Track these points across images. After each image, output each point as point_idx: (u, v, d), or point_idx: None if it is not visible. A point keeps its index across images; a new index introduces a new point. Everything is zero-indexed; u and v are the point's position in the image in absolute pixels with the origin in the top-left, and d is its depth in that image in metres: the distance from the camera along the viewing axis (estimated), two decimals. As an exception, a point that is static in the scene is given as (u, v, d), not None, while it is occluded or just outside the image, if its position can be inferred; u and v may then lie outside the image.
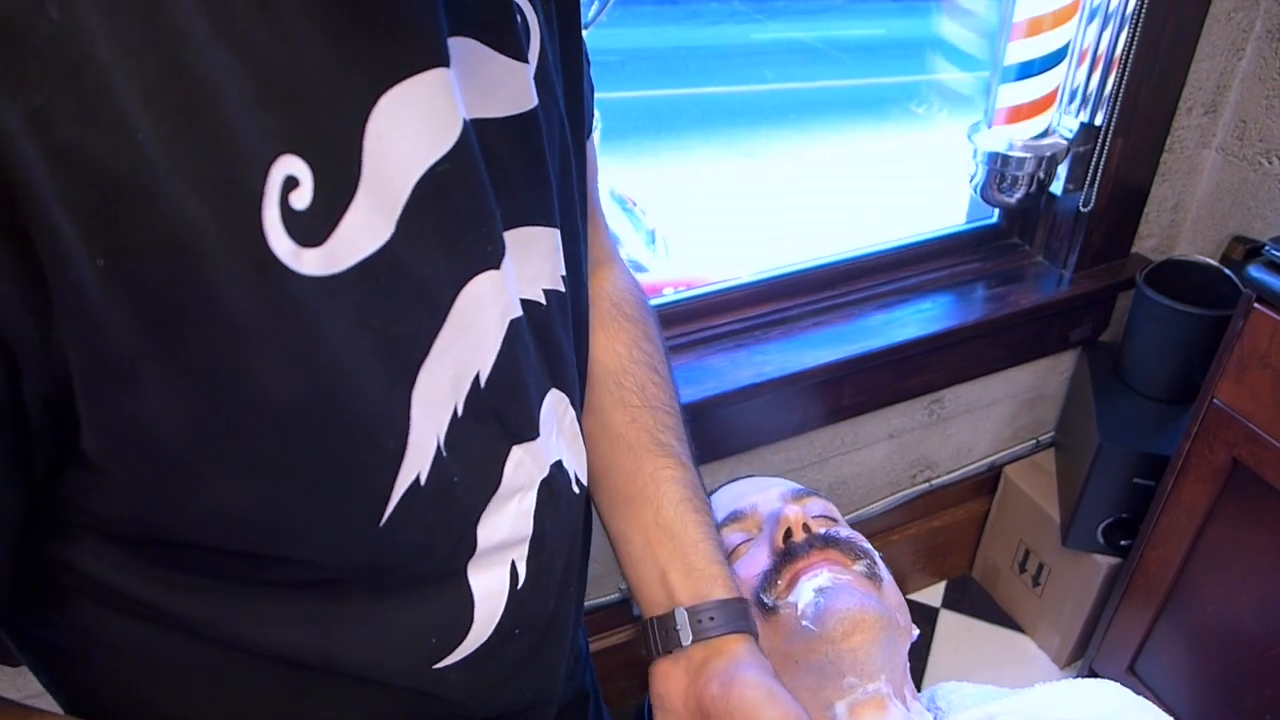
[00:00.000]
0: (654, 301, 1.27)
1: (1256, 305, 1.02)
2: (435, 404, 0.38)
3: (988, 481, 1.60)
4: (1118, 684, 0.64)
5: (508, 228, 0.42)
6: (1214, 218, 1.38)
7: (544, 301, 0.47)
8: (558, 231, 0.46)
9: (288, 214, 0.30)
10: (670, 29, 4.68)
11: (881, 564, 0.65)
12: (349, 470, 0.35)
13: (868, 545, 0.66)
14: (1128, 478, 1.29)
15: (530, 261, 0.45)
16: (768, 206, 3.11)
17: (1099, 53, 1.18)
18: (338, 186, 0.31)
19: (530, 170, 0.43)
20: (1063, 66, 1.17)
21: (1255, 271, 1.01)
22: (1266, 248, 1.00)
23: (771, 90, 4.19)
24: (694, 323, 1.27)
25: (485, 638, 0.47)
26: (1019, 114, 1.18)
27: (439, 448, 0.39)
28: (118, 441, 0.30)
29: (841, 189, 3.19)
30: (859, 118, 3.95)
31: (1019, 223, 1.43)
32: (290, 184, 0.30)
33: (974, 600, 1.67)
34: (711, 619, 0.53)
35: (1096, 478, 1.31)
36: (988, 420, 1.51)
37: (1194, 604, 1.24)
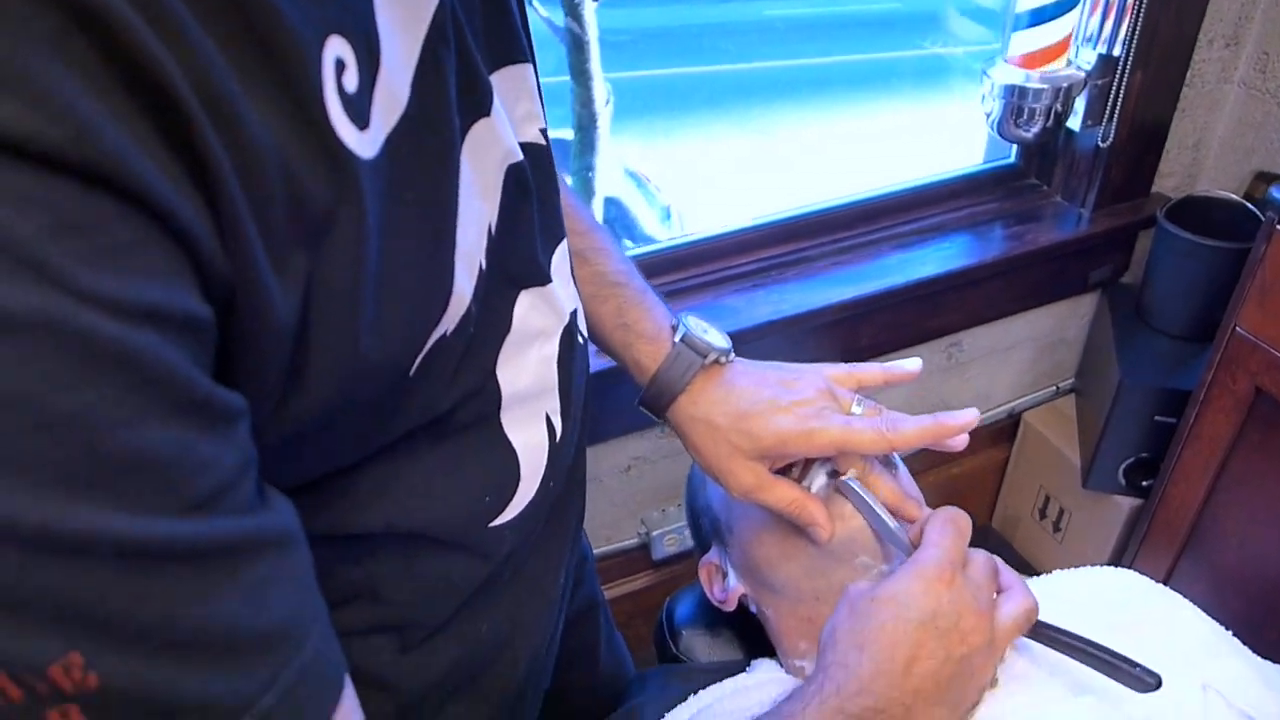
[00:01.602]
0: (671, 243, 1.27)
1: (1279, 229, 1.01)
2: (469, 262, 0.39)
3: (1007, 429, 1.59)
4: (1135, 572, 0.63)
5: (491, 70, 0.42)
6: (1236, 154, 1.36)
7: (541, 142, 0.47)
8: (530, 66, 0.46)
9: (344, 99, 0.29)
10: (681, 7, 4.66)
11: (895, 454, 0.65)
12: (396, 332, 0.35)
13: None
14: (1149, 415, 1.28)
15: (519, 102, 0.45)
16: (781, 182, 3.10)
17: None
18: (369, 62, 0.31)
19: (498, 3, 0.43)
20: (1076, 10, 1.16)
21: (1278, 193, 1.00)
22: (1289, 167, 0.99)
23: (784, 66, 4.16)
24: (711, 263, 1.27)
25: (532, 494, 0.48)
26: (1034, 60, 1.18)
27: (470, 303, 0.39)
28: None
29: (855, 164, 3.17)
30: (873, 91, 3.93)
31: (1036, 162, 1.42)
32: (340, 67, 0.29)
33: (994, 550, 1.65)
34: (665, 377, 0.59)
35: (1118, 416, 1.30)
36: (1007, 365, 1.50)
37: (1216, 540, 1.23)
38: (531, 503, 0.48)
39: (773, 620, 0.64)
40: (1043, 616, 0.57)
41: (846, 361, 0.63)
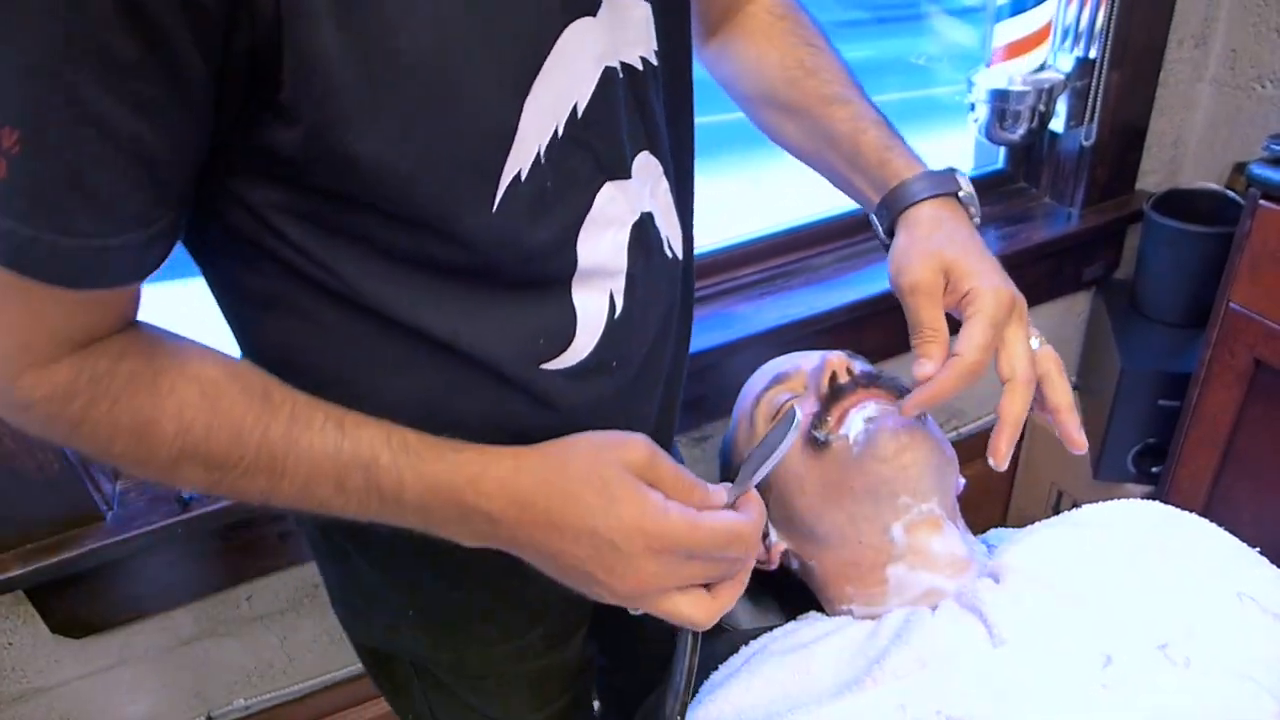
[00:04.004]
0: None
1: (1262, 202, 1.05)
2: (540, 118, 0.46)
3: (1014, 431, 1.61)
4: (1160, 503, 0.66)
5: None
6: (1214, 149, 1.42)
7: (640, 68, 0.54)
8: (649, 5, 0.53)
9: None
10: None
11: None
12: (469, 140, 0.44)
13: (909, 385, 0.69)
14: (1153, 400, 1.31)
15: (625, 29, 0.52)
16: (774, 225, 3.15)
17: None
18: None
19: None
20: (1052, 3, 1.22)
21: (1258, 169, 1.05)
22: (1265, 143, 1.04)
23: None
24: (718, 275, 1.31)
25: (585, 354, 0.55)
26: (1016, 49, 1.23)
27: (539, 154, 0.47)
28: (303, 88, 0.39)
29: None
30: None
31: (1023, 166, 1.47)
32: None
33: (1010, 554, 1.68)
34: (885, 211, 0.66)
35: (1122, 404, 1.33)
36: (1009, 366, 1.53)
37: (1230, 516, 1.24)
38: (584, 365, 0.56)
39: (816, 571, 0.66)
40: (1079, 542, 0.59)
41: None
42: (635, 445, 0.50)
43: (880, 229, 0.69)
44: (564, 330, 0.54)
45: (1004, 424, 0.59)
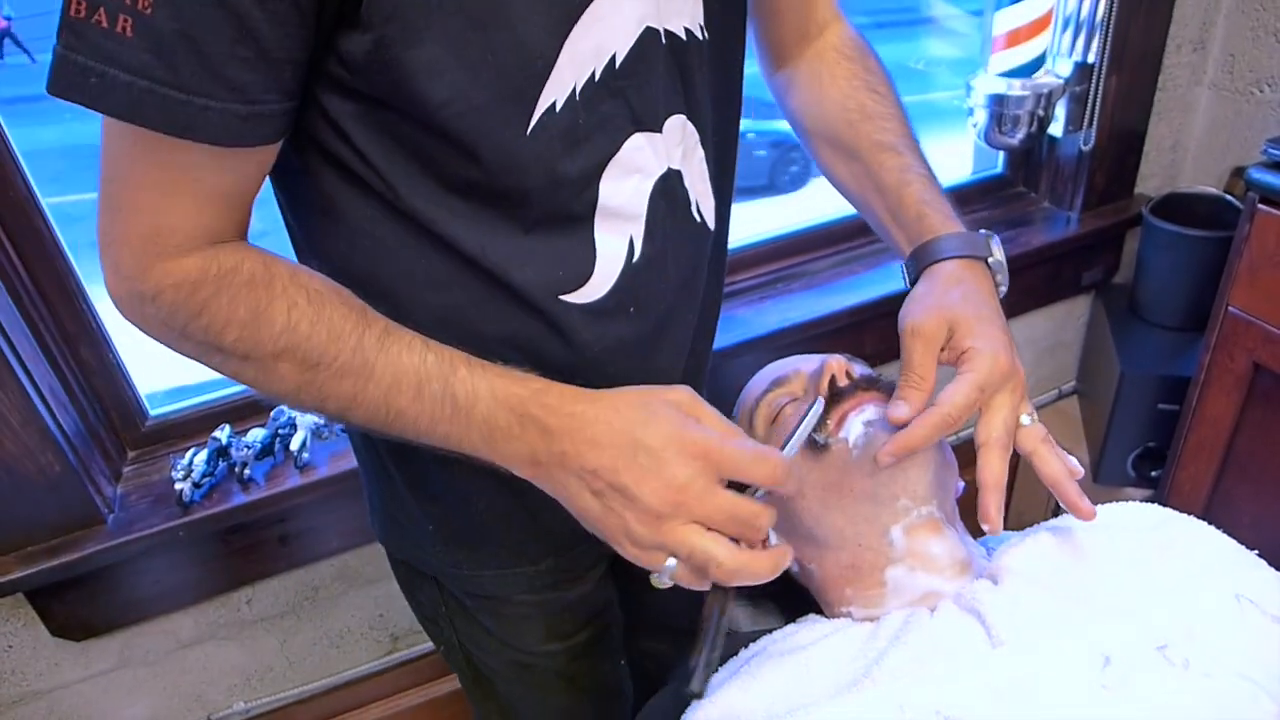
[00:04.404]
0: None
1: (1261, 206, 1.06)
2: (578, 59, 0.52)
3: (1014, 435, 1.62)
4: (1158, 505, 0.66)
5: None
6: (1213, 153, 1.42)
7: (684, 37, 0.58)
8: None
9: None
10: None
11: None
12: (510, 66, 0.50)
13: None
14: (1153, 403, 1.31)
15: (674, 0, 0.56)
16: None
17: (1084, 4, 1.24)
18: None
19: None
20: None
21: (1256, 173, 1.05)
22: (1264, 148, 1.04)
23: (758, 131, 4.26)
24: (717, 279, 1.31)
25: (603, 293, 0.61)
26: (1016, 37, 1.24)
27: (574, 91, 0.53)
28: (377, 3, 0.46)
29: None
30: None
31: (1022, 171, 1.47)
32: None
33: (1010, 558, 1.68)
34: (913, 263, 0.68)
35: (1122, 407, 1.33)
36: (1009, 370, 1.54)
37: (1230, 521, 1.24)
38: (602, 304, 0.60)
39: (816, 574, 0.66)
40: (1077, 544, 0.59)
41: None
42: (679, 389, 0.55)
43: (906, 279, 0.71)
44: (583, 264, 0.59)
45: (985, 489, 0.59)
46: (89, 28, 0.43)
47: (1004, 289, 0.69)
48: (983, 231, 0.69)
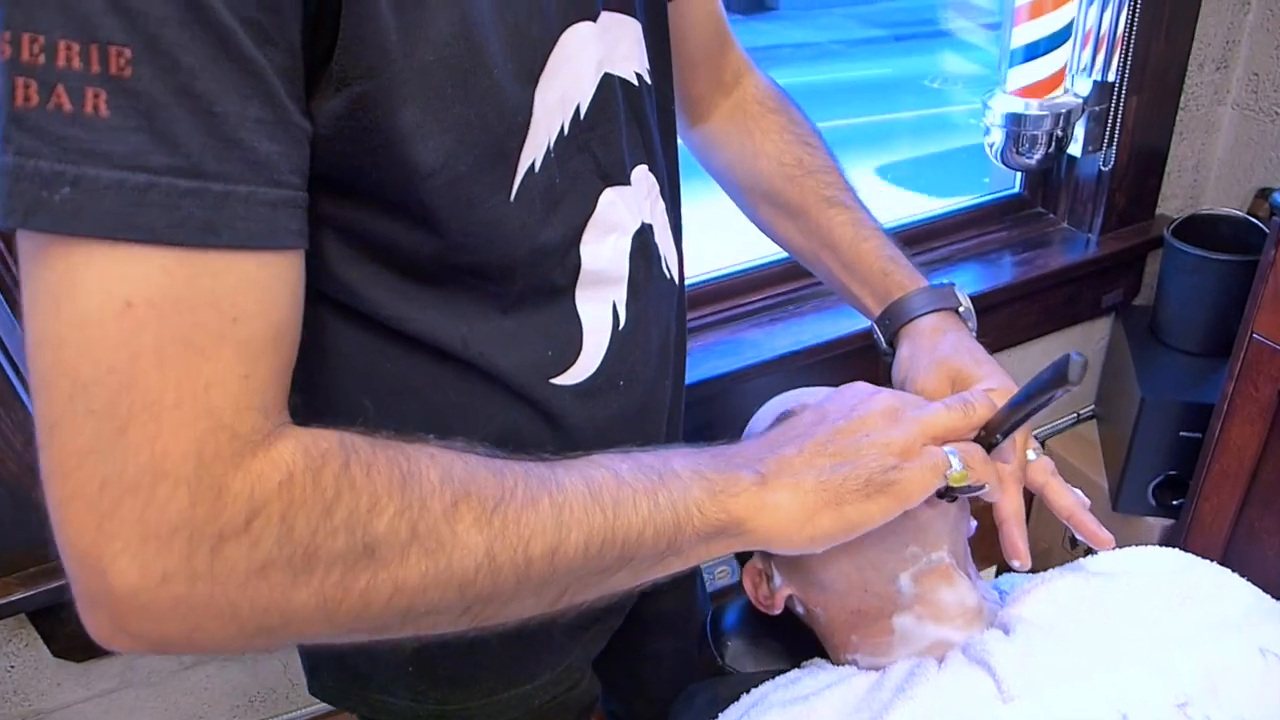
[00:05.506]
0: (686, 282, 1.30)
1: (1287, 232, 1.03)
2: (548, 110, 0.48)
3: (1031, 458, 1.59)
4: (1178, 550, 0.64)
5: (604, 7, 0.52)
6: (1236, 174, 1.39)
7: (635, 83, 0.56)
8: (639, 25, 0.55)
9: None
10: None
11: None
12: (493, 121, 0.45)
13: None
14: (1174, 431, 1.28)
15: (621, 44, 0.54)
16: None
17: (1103, 25, 1.22)
18: None
19: None
20: (1068, 45, 1.21)
21: (1281, 198, 1.03)
22: (1291, 172, 1.01)
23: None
24: (725, 301, 1.29)
25: (593, 369, 0.57)
26: (1031, 93, 1.22)
27: (549, 147, 0.49)
28: (355, 55, 0.38)
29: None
30: (869, 153, 4.02)
31: (1041, 191, 1.45)
32: None
33: (1027, 584, 1.64)
34: (888, 322, 0.69)
35: (1143, 434, 1.30)
36: (1026, 393, 1.51)
37: (1253, 553, 1.22)
38: (593, 381, 0.57)
39: (821, 617, 0.64)
40: (1094, 592, 0.57)
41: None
42: None
43: (882, 339, 0.71)
44: (571, 340, 0.56)
45: (1007, 523, 0.58)
46: (46, 116, 0.30)
47: (974, 334, 0.69)
48: (946, 281, 0.70)
